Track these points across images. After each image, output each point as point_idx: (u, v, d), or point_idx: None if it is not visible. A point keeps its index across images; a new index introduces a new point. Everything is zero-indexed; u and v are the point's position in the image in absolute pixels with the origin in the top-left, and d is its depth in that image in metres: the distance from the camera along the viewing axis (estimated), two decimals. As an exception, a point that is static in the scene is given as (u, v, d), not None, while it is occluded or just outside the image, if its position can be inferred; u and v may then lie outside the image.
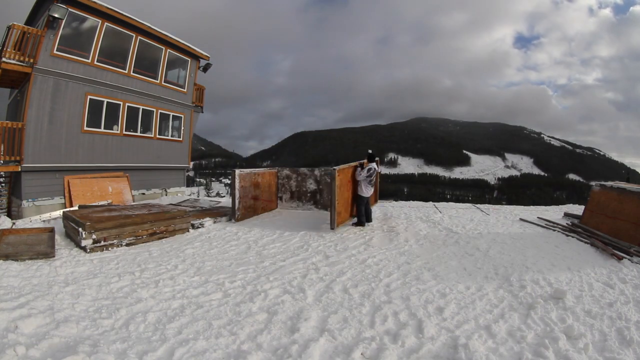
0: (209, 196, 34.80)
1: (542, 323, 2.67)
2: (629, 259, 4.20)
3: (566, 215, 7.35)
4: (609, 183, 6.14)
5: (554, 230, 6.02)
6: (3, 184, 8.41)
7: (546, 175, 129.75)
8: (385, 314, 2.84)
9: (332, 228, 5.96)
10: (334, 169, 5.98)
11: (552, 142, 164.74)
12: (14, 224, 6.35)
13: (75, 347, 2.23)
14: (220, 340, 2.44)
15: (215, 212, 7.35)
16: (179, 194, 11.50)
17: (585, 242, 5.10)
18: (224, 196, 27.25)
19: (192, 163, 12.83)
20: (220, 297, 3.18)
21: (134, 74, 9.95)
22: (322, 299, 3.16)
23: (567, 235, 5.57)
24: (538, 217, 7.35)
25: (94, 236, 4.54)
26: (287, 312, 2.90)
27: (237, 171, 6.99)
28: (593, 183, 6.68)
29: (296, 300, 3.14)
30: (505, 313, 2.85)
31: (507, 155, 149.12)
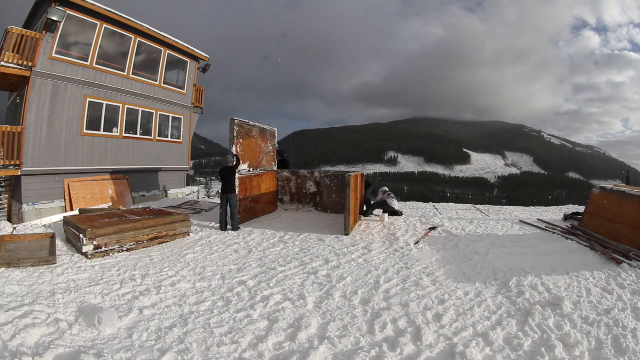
0: (209, 196, 34.81)
1: (540, 330, 2.69)
2: (628, 263, 4.22)
3: (566, 217, 7.37)
4: (609, 186, 6.16)
5: (554, 233, 6.05)
6: (3, 188, 8.43)
7: (546, 173, 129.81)
8: (385, 321, 2.87)
9: (346, 234, 5.96)
10: (349, 176, 6.13)
11: (552, 141, 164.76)
12: (14, 229, 6.38)
13: (81, 357, 2.27)
14: (222, 349, 2.47)
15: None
16: (179, 195, 11.53)
17: (585, 246, 5.12)
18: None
19: (192, 162, 12.86)
20: (221, 305, 3.21)
21: (133, 76, 9.96)
22: (322, 306, 3.19)
23: (567, 238, 5.60)
24: (538, 219, 7.38)
25: (95, 242, 4.57)
26: (288, 319, 2.93)
27: (237, 174, 6.99)
28: (594, 184, 6.71)
29: (297, 307, 3.17)
30: (503, 320, 2.88)
31: (507, 153, 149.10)
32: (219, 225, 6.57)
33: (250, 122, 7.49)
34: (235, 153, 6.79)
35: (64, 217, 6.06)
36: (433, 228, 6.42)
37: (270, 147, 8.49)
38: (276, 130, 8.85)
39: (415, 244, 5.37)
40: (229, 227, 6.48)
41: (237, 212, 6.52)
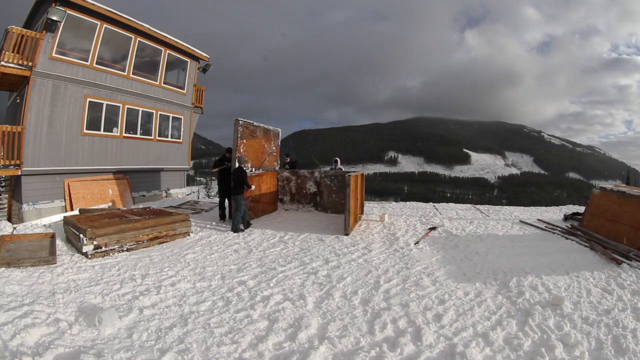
0: (209, 196, 34.79)
1: (540, 330, 2.69)
2: (627, 264, 4.22)
3: (566, 217, 7.37)
4: (609, 186, 6.16)
5: (554, 233, 6.05)
6: (3, 188, 8.43)
7: (546, 173, 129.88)
8: (385, 321, 2.87)
9: (346, 234, 5.93)
10: (349, 176, 6.10)
11: (552, 141, 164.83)
12: (14, 229, 6.38)
13: (81, 357, 2.26)
14: (222, 349, 2.47)
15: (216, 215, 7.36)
16: (179, 195, 11.53)
17: (585, 246, 5.12)
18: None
19: (192, 162, 12.85)
20: (221, 305, 3.21)
21: (133, 76, 9.94)
22: (322, 306, 3.19)
23: (567, 238, 5.59)
24: (538, 219, 7.38)
25: (95, 242, 4.57)
26: (288, 319, 2.93)
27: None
28: (594, 185, 6.72)
29: (296, 307, 3.17)
30: (503, 320, 2.88)
31: (507, 153, 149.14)
32: (219, 218, 6.59)
33: (254, 123, 7.48)
34: (235, 155, 6.76)
35: (64, 217, 6.06)
36: (433, 228, 6.42)
37: (274, 147, 8.49)
38: (280, 130, 8.87)
39: (415, 244, 5.37)
40: (231, 220, 6.40)
41: (239, 214, 6.48)
